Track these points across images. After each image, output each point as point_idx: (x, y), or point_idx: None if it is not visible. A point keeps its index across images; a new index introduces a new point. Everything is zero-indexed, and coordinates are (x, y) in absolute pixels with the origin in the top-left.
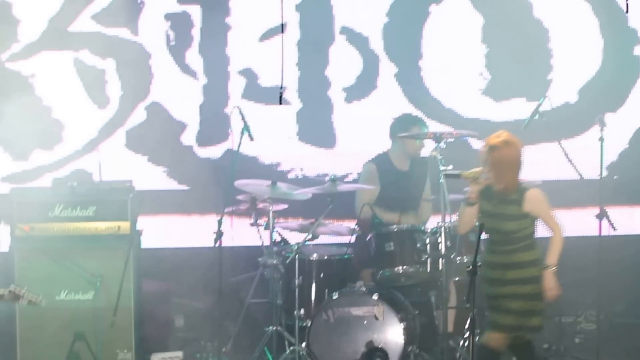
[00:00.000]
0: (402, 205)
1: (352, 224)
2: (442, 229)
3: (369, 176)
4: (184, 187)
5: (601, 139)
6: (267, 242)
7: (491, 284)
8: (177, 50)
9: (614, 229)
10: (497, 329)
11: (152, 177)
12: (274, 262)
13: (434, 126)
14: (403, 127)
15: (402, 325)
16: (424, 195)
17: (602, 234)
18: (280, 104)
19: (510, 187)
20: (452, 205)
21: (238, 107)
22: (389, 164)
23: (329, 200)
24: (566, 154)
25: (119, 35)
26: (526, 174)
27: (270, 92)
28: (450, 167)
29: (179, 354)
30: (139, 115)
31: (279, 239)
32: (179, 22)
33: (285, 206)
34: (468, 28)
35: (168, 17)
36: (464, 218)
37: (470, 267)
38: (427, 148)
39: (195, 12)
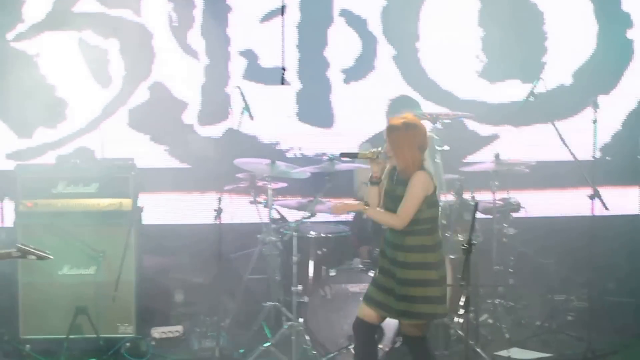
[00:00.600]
0: None
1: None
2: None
3: None
4: (185, 166)
5: (594, 121)
6: (266, 220)
7: (383, 257)
8: (179, 31)
9: (606, 209)
10: (369, 303)
11: (154, 155)
12: (273, 239)
13: (430, 107)
14: (397, 108)
15: None
16: None
17: (595, 214)
18: (282, 84)
19: (408, 169)
20: (447, 184)
21: (239, 87)
22: (384, 144)
23: (327, 179)
24: (560, 135)
25: (122, 15)
26: (521, 155)
27: (270, 72)
28: (446, 147)
29: (179, 328)
30: (141, 94)
31: (277, 216)
32: (181, 3)
33: (284, 184)
34: (465, 11)
35: None
36: (369, 197)
37: (466, 245)
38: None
39: None
